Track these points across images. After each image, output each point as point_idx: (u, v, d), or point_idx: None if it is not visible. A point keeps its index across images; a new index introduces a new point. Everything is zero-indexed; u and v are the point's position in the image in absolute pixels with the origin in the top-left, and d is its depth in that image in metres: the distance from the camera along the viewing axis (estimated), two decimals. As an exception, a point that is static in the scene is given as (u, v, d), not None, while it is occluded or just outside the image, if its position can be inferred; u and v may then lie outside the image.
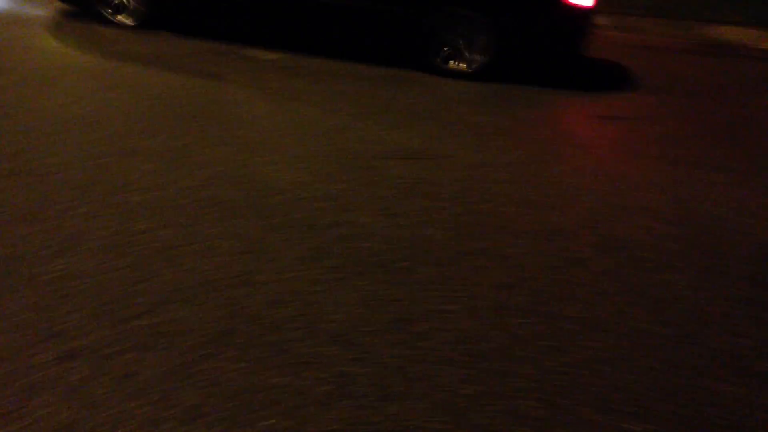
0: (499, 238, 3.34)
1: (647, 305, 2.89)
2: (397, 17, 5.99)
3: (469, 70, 6.08)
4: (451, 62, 6.11)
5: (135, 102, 4.69)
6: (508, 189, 3.91)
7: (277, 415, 2.15)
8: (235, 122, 4.55)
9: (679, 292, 3.01)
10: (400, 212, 3.51)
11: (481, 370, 2.41)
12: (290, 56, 6.27)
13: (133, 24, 6.49)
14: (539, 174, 4.16)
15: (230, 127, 4.47)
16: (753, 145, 5.04)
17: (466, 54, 6.06)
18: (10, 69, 5.14)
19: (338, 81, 5.72)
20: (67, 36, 6.18)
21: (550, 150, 4.58)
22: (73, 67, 5.31)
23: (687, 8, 10.05)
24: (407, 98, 5.41)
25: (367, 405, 2.22)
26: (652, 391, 2.39)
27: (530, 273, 3.05)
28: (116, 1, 6.49)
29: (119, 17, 6.52)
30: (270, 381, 2.28)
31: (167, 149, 4.01)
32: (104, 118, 4.37)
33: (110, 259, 2.87)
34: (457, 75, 6.09)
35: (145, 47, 6.02)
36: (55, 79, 4.98)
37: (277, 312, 2.63)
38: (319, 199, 3.59)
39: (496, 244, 3.28)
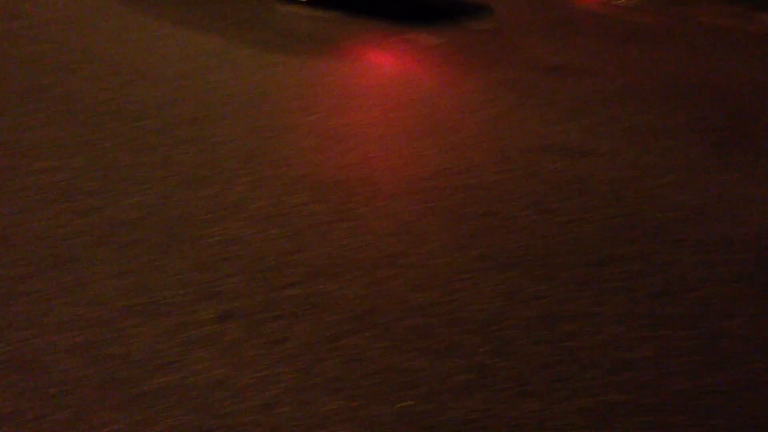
0: (657, 244, 3.17)
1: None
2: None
3: None
4: None
5: (296, 80, 4.87)
6: (668, 193, 3.69)
7: (415, 398, 2.16)
8: (392, 104, 4.61)
9: None
10: (553, 208, 3.41)
11: (628, 379, 2.31)
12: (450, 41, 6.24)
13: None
14: (702, 179, 3.89)
15: (387, 108, 4.53)
16: None
17: None
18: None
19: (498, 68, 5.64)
20: (241, 12, 6.48)
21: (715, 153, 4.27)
22: (246, 44, 5.58)
23: None
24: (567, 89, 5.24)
25: (505, 399, 2.18)
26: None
27: (690, 284, 2.87)
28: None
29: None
30: (410, 363, 2.30)
31: (326, 127, 4.14)
32: (270, 93, 4.57)
33: (267, 228, 3.01)
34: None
35: (307, 26, 6.21)
36: (225, 56, 5.25)
37: (421, 296, 2.65)
38: (473, 187, 3.57)
39: (654, 249, 3.11)
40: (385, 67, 5.44)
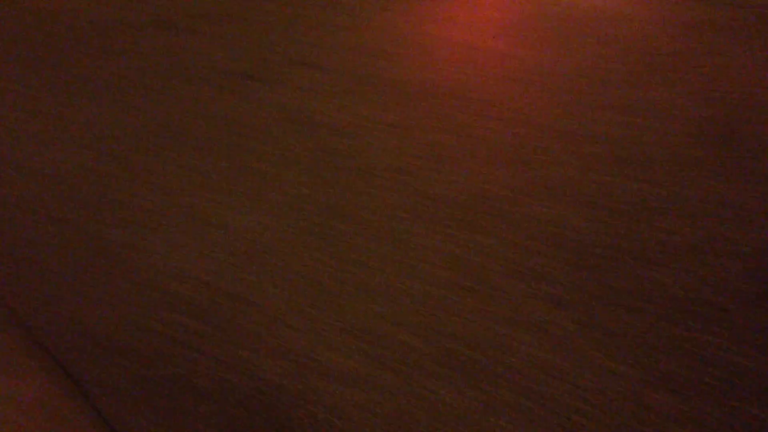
0: None
1: None
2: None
3: None
4: None
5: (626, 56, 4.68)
6: None
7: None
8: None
9: None
10: None
11: None
12: None
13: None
14: None
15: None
16: None
17: None
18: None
19: None
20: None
21: None
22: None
23: None
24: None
25: None
26: None
27: None
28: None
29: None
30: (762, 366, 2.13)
31: (630, 99, 3.93)
32: (599, 71, 4.46)
33: (589, 211, 2.96)
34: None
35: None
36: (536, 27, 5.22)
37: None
38: None
39: None
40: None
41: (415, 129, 3.72)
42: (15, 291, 2.68)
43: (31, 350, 2.34)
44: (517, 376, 2.18)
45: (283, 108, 3.96)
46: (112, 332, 2.45)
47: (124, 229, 3.02)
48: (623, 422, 2.01)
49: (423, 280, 2.64)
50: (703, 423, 1.98)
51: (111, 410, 2.15)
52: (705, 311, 2.38)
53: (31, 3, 5.77)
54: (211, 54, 4.67)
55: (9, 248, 2.93)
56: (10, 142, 3.76)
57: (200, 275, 2.72)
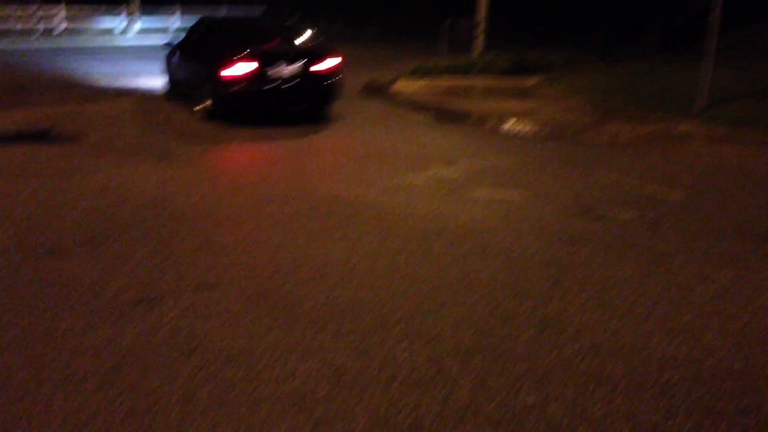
0: None
1: None
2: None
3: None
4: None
5: (499, 265, 4.82)
6: None
7: None
8: (599, 284, 4.40)
9: None
10: None
11: None
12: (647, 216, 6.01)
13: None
14: None
15: (595, 290, 4.33)
16: None
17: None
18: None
19: (717, 238, 5.31)
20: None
21: None
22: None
23: None
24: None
25: None
26: None
27: None
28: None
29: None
30: None
31: (539, 316, 3.99)
32: (476, 282, 4.53)
33: (503, 436, 2.83)
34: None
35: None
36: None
37: None
38: (720, 377, 3.21)
39: None
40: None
41: (316, 351, 3.56)
42: None
43: None
44: None
45: (175, 333, 3.72)
46: None
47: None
48: None
49: None
50: None
51: None
52: None
53: None
54: (98, 281, 4.44)
55: None
56: None
57: None
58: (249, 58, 9.45)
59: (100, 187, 6.42)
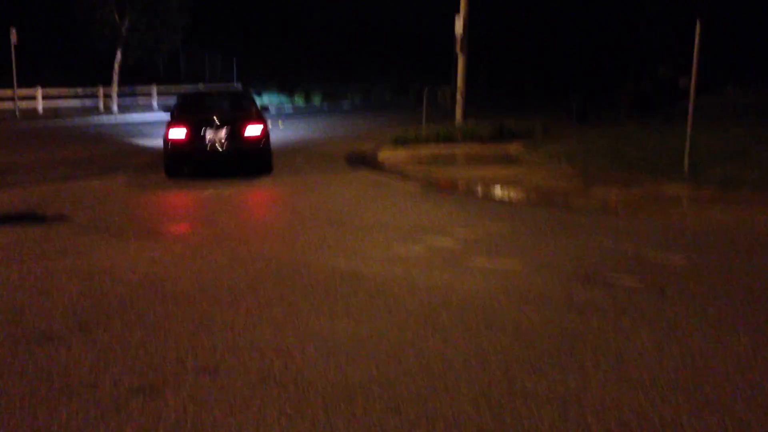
0: None
1: None
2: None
3: None
4: None
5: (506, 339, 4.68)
6: None
7: None
8: (616, 356, 4.27)
9: None
10: None
11: None
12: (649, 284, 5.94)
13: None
14: None
15: (613, 362, 4.19)
16: None
17: None
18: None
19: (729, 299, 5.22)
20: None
21: None
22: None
23: None
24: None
25: None
26: None
27: None
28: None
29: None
30: None
31: (560, 392, 3.83)
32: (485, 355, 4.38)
33: None
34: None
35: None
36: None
37: None
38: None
39: None
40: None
41: (330, 439, 3.36)
42: None
43: None
44: None
45: (179, 425, 3.50)
46: None
47: None
48: None
49: None
50: None
51: None
52: None
53: None
54: (94, 368, 4.22)
55: None
56: None
57: None
58: (181, 123, 11.59)
59: (91, 268, 6.22)
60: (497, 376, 4.05)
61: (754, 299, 5.31)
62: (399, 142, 15.89)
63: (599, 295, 5.47)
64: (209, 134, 11.43)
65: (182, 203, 9.22)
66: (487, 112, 22.77)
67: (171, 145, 11.48)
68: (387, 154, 14.28)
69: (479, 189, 10.32)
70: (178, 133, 11.44)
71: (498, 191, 10.09)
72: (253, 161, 11.94)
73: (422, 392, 3.86)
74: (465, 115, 18.34)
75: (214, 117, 11.72)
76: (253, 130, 11.74)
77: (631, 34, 52.24)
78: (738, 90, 30.83)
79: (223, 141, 11.43)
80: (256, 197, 9.74)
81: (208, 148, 11.41)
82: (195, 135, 11.40)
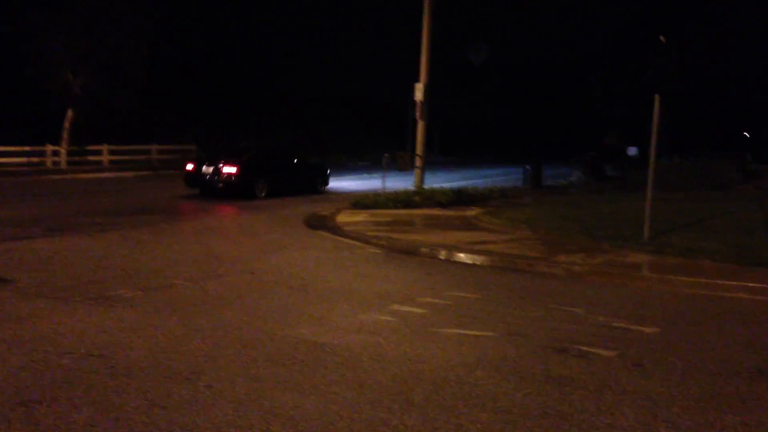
0: None
1: None
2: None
3: None
4: None
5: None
6: None
7: None
8: None
9: None
10: None
11: None
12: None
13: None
14: None
15: None
16: None
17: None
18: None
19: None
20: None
21: None
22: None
23: None
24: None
25: None
26: None
27: None
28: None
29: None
30: None
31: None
32: None
33: None
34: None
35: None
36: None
37: None
38: None
39: None
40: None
41: None
42: None
43: None
44: None
45: None
46: None
47: None
48: None
49: None
50: None
51: None
52: None
53: None
54: None
55: None
56: None
57: None
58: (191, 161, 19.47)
59: (33, 337, 5.76)
60: None
61: (731, 373, 5.17)
62: (358, 206, 15.73)
63: (576, 367, 5.26)
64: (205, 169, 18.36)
65: (134, 265, 8.78)
66: (445, 177, 22.93)
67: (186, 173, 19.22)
68: (346, 218, 14.08)
69: (443, 254, 10.15)
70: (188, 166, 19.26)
71: (462, 256, 9.93)
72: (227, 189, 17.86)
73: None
74: (424, 180, 18.35)
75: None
76: (230, 169, 17.98)
77: (581, 107, 54.07)
78: (683, 161, 31.87)
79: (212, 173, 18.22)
80: (214, 260, 9.36)
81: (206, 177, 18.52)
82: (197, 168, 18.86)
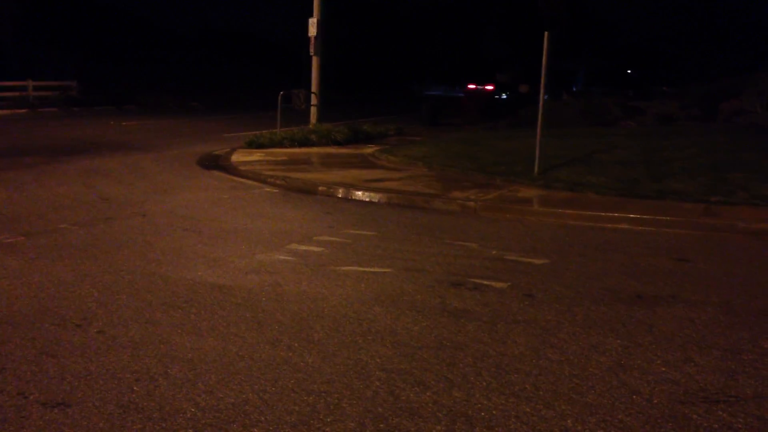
0: None
1: None
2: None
3: None
4: None
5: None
6: None
7: None
8: (495, 365, 4.22)
9: None
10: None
11: None
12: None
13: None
14: None
15: (494, 371, 4.14)
16: None
17: None
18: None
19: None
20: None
21: None
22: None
23: None
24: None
25: None
26: None
27: None
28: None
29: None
30: None
31: (446, 406, 3.71)
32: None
33: None
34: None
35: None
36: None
37: None
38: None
39: None
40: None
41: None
42: None
43: None
44: None
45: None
46: None
47: None
48: None
49: None
50: None
51: None
52: None
53: None
54: None
55: None
56: None
57: None
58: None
59: None
60: (381, 391, 3.86)
61: (614, 300, 5.49)
62: (253, 145, 15.40)
63: (471, 300, 5.44)
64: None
65: (15, 209, 8.29)
66: (341, 115, 22.76)
67: None
68: (241, 157, 13.77)
69: (340, 192, 10.15)
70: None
71: (360, 194, 9.97)
72: None
73: (303, 413, 3.60)
74: (320, 119, 18.14)
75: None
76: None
77: (474, 46, 54.68)
78: (571, 98, 32.95)
79: None
80: (102, 203, 8.96)
81: None
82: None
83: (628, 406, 3.71)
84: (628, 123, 22.84)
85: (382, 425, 3.49)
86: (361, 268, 6.24)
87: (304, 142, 15.86)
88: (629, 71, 62.21)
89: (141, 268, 6.08)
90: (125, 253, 6.56)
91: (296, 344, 4.48)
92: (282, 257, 6.56)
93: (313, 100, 18.17)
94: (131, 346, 4.39)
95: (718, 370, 4.18)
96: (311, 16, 17.84)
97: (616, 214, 8.55)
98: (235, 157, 13.71)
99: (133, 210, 8.55)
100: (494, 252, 6.93)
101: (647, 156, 12.81)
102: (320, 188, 10.42)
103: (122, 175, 11.63)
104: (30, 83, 29.49)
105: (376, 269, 6.22)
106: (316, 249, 6.91)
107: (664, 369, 4.19)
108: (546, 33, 10.66)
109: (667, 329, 4.85)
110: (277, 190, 10.52)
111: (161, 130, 20.09)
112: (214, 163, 13.29)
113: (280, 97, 17.16)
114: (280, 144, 15.54)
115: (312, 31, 17.76)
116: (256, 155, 14.09)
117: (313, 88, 18.19)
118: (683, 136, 16.32)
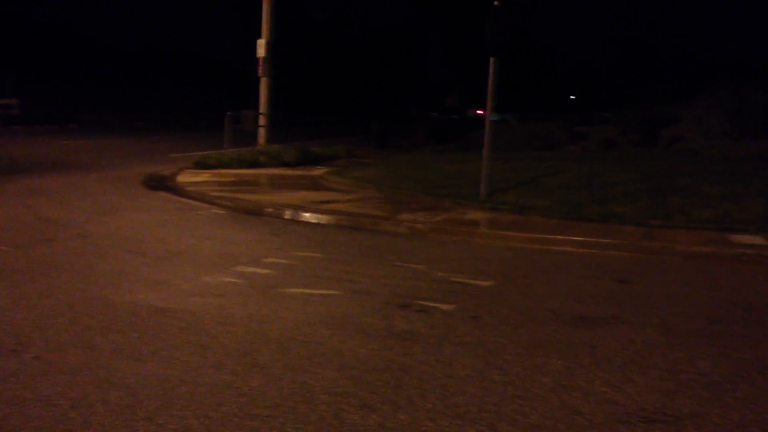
0: None
1: None
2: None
3: None
4: None
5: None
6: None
7: None
8: (441, 387, 4.24)
9: None
10: None
11: None
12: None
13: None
14: None
15: (439, 393, 4.15)
16: None
17: None
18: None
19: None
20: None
21: None
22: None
23: None
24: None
25: None
26: None
27: None
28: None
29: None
30: None
31: (390, 428, 3.70)
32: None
33: None
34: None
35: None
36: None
37: None
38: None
39: None
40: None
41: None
42: None
43: None
44: None
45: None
46: None
47: None
48: None
49: None
50: None
51: None
52: None
53: None
54: None
55: None
56: None
57: None
58: None
59: None
60: (326, 415, 3.82)
61: (557, 321, 5.58)
62: (201, 165, 15.24)
63: (418, 322, 5.45)
64: None
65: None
66: (290, 137, 22.71)
67: None
68: (188, 178, 13.61)
69: (288, 214, 10.10)
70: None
71: (308, 216, 9.94)
72: None
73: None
74: (270, 140, 18.07)
75: None
76: None
77: (423, 69, 55.26)
78: (516, 121, 33.58)
79: None
80: (42, 224, 8.72)
81: None
82: None
83: (570, 427, 3.76)
84: (572, 147, 23.37)
85: (326, 450, 3.46)
86: (309, 291, 6.21)
87: (253, 164, 15.77)
88: (572, 96, 63.86)
89: (81, 291, 5.92)
90: (65, 275, 6.38)
91: (240, 368, 4.41)
92: (228, 279, 6.48)
93: (262, 121, 18.10)
94: (69, 371, 4.26)
95: (657, 390, 4.27)
96: (260, 37, 17.83)
97: (560, 237, 8.72)
98: (182, 178, 13.54)
99: (74, 231, 8.34)
100: (441, 274, 6.97)
101: (591, 180, 13.12)
102: (268, 210, 10.36)
103: (64, 195, 11.35)
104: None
105: (324, 291, 6.19)
106: (263, 271, 6.85)
107: (604, 389, 4.26)
108: (491, 58, 10.87)
109: (608, 350, 4.94)
110: (224, 212, 10.42)
111: (105, 150, 19.71)
112: (160, 183, 13.09)
113: (227, 118, 17.04)
114: (228, 165, 15.42)
115: (260, 52, 17.74)
116: (204, 176, 13.94)
117: (262, 109, 18.13)
118: (625, 161, 16.79)
